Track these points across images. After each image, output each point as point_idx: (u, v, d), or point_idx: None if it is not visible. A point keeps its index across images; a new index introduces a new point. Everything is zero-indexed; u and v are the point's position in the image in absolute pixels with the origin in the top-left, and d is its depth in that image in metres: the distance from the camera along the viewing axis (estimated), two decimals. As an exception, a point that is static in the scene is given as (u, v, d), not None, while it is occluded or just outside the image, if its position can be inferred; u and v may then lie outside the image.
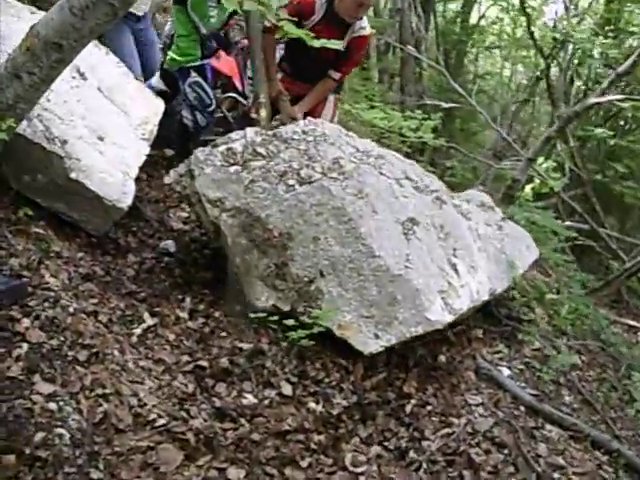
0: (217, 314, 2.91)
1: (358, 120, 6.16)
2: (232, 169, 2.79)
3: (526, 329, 3.58)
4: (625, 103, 4.83)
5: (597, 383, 3.57)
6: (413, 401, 2.74)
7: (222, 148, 2.88)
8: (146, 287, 3.05)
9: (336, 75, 3.92)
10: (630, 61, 4.16)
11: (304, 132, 2.94)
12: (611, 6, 7.75)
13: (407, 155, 7.74)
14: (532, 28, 7.08)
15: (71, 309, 2.46)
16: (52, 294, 2.47)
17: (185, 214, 3.94)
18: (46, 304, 2.40)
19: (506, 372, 3.24)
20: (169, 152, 4.38)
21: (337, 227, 2.60)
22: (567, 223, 6.16)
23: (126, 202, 3.08)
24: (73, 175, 2.92)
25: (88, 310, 2.56)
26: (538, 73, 8.03)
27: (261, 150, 2.83)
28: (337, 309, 2.52)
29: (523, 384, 3.08)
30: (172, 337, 2.74)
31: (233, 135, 3.01)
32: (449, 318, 2.60)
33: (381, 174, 2.85)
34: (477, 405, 2.83)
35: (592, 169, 7.37)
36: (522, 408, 2.93)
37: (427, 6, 8.88)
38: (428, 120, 6.27)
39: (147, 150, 3.39)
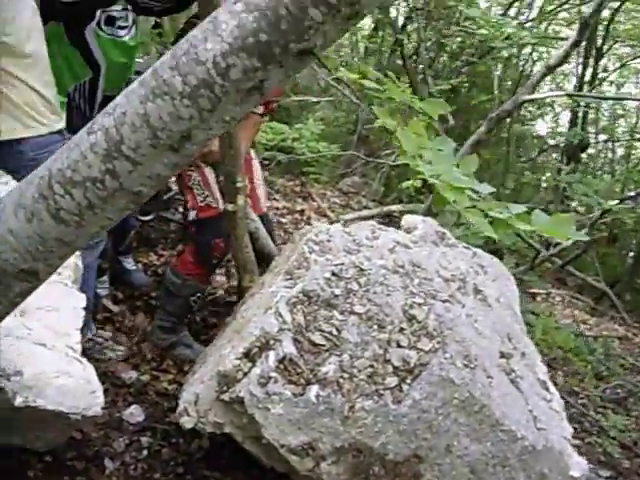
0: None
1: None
2: (312, 394, 1.85)
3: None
4: (563, 99, 4.61)
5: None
6: None
7: (272, 362, 1.87)
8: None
9: (260, 107, 2.70)
10: (562, 52, 3.88)
11: (335, 275, 2.02)
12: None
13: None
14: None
15: None
16: None
17: (108, 333, 2.92)
18: None
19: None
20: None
21: (468, 422, 1.90)
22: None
23: (98, 402, 2.08)
24: (19, 401, 1.88)
25: None
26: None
27: (318, 339, 1.90)
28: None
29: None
30: None
31: (264, 323, 1.94)
32: (584, 464, 2.14)
33: (446, 301, 2.09)
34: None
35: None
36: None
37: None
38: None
39: (83, 301, 2.35)
